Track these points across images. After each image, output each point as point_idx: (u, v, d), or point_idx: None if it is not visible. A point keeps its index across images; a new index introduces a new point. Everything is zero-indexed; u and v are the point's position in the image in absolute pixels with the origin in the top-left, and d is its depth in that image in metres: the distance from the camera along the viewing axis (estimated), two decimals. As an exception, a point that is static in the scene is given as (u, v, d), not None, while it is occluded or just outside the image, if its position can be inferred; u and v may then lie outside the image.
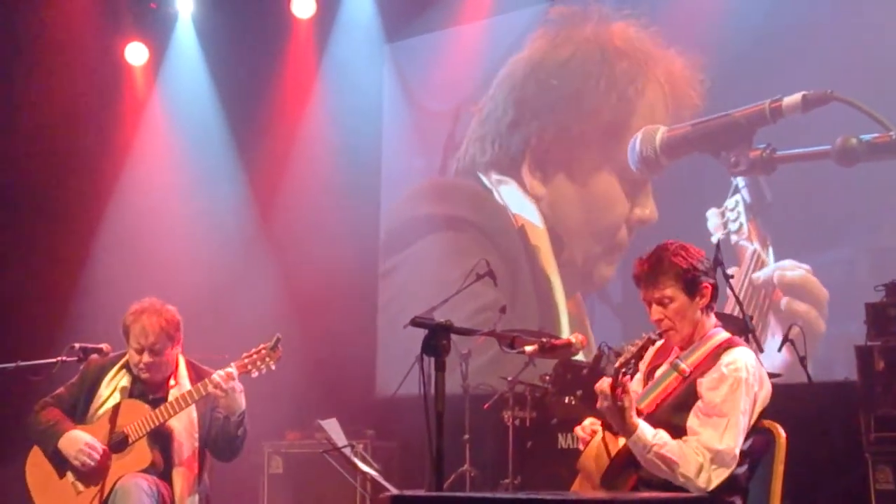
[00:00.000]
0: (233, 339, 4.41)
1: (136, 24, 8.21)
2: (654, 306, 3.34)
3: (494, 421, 5.91)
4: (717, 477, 3.14)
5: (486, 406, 5.93)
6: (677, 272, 3.30)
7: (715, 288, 3.37)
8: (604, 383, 3.16)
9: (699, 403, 3.21)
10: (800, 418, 3.72)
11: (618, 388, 3.11)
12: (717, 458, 3.13)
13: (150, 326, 4.32)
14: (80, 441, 4.24)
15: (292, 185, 7.88)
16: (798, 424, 3.51)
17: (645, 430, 3.16)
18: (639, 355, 3.26)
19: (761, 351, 4.79)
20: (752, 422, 3.24)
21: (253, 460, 6.76)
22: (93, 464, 4.21)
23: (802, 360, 5.15)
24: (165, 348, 4.35)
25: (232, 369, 4.28)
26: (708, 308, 3.37)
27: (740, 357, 3.24)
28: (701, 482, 3.13)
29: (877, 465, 4.72)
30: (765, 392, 3.28)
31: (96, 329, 5.06)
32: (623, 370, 3.13)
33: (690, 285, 3.30)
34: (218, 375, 4.25)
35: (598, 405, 3.19)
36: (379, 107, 8.28)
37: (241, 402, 4.31)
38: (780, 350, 5.24)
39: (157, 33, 8.23)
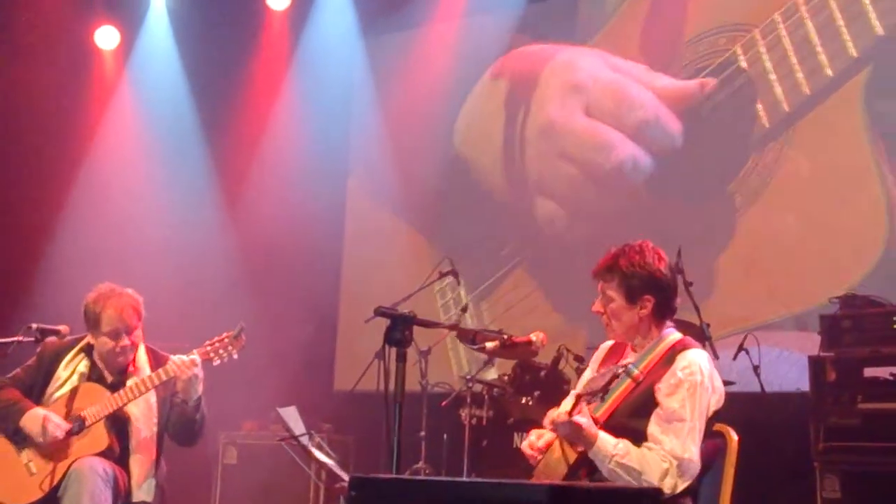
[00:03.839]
0: (193, 325, 4.39)
1: (108, 8, 8.14)
2: (599, 298, 3.39)
3: (451, 419, 5.92)
4: (683, 484, 3.15)
5: (443, 404, 5.94)
6: (622, 275, 3.31)
7: (656, 304, 3.32)
8: (557, 415, 3.19)
9: (658, 410, 3.22)
10: (752, 427, 3.75)
11: (574, 409, 3.14)
12: (682, 465, 3.14)
13: (123, 309, 4.33)
14: (42, 417, 4.21)
15: (259, 174, 7.86)
16: (750, 433, 3.54)
17: (605, 441, 3.16)
18: (604, 389, 3.24)
19: (716, 358, 4.85)
20: (705, 424, 3.27)
21: (207, 450, 6.72)
22: (59, 436, 4.17)
23: (756, 369, 5.23)
24: (137, 328, 4.37)
25: (195, 356, 4.27)
26: (658, 319, 3.34)
27: (694, 360, 3.26)
28: (666, 488, 3.11)
29: (824, 475, 4.80)
30: (717, 395, 3.31)
31: (57, 309, 5.02)
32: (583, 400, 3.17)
33: (630, 292, 3.31)
34: (181, 360, 4.24)
35: (555, 431, 3.22)
36: (350, 101, 8.27)
37: (200, 388, 4.31)
38: (734, 358, 5.31)
39: (129, 18, 8.16)
